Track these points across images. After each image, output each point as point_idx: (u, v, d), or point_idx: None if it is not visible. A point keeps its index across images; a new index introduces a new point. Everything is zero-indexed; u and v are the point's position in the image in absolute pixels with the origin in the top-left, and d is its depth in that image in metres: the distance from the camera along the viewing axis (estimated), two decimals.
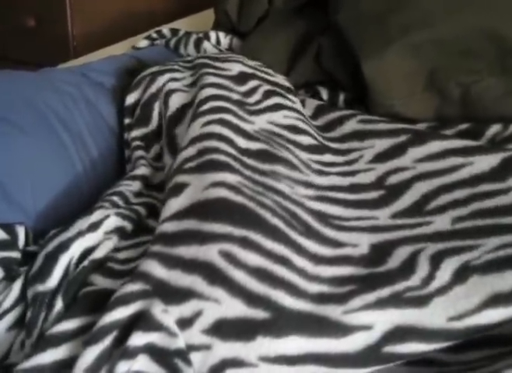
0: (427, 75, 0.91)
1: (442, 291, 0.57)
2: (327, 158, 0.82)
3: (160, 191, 0.80)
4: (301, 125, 0.85)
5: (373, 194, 0.74)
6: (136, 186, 0.82)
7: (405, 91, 0.92)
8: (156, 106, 0.90)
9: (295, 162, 0.77)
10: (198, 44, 1.17)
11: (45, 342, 0.57)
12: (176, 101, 0.87)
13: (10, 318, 0.65)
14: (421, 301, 0.57)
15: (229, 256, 0.59)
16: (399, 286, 0.59)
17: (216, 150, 0.72)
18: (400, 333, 0.56)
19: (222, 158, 0.71)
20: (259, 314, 0.56)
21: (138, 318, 0.56)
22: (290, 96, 0.91)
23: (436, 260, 0.61)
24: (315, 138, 0.84)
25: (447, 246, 0.63)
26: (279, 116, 0.85)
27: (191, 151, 0.73)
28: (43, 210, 0.82)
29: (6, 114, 0.84)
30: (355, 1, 1.00)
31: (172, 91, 0.89)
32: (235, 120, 0.79)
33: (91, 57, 1.26)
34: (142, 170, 0.84)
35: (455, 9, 0.92)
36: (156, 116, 0.90)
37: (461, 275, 0.58)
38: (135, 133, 0.91)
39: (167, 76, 0.92)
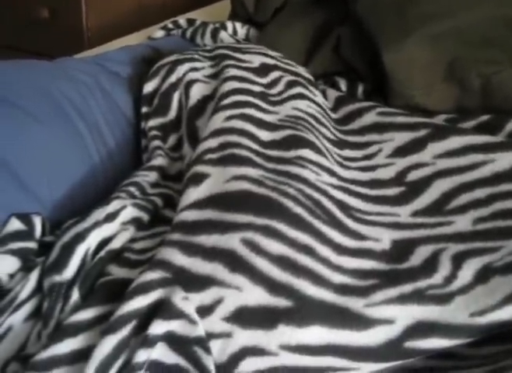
0: (447, 66, 0.90)
1: (464, 290, 0.57)
2: (346, 153, 0.81)
3: (177, 182, 0.80)
4: (321, 118, 0.85)
5: (393, 190, 0.74)
6: (153, 176, 0.81)
7: (425, 81, 0.91)
8: (176, 96, 0.89)
9: (321, 148, 0.77)
10: (214, 34, 1.16)
11: (62, 332, 0.57)
12: (197, 92, 0.87)
13: (27, 308, 0.64)
14: (443, 299, 0.57)
15: (251, 244, 0.59)
16: (422, 283, 0.59)
17: (238, 145, 0.72)
18: (422, 329, 0.55)
19: (244, 153, 0.71)
20: (281, 302, 0.56)
21: (159, 306, 0.56)
22: (312, 88, 0.91)
23: (458, 261, 0.61)
24: (333, 133, 0.84)
25: (468, 247, 0.63)
26: (303, 104, 0.84)
27: (212, 142, 0.73)
28: (60, 200, 0.82)
29: (21, 103, 0.84)
30: None
31: (193, 81, 0.88)
32: (258, 114, 0.79)
33: (105, 47, 1.25)
34: (158, 161, 0.84)
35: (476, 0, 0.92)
36: (175, 107, 0.89)
37: (483, 276, 0.58)
38: (153, 122, 0.90)
39: (187, 66, 0.91)
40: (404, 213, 0.71)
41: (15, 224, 0.73)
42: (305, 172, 0.70)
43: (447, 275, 0.59)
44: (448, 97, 0.90)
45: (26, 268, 0.69)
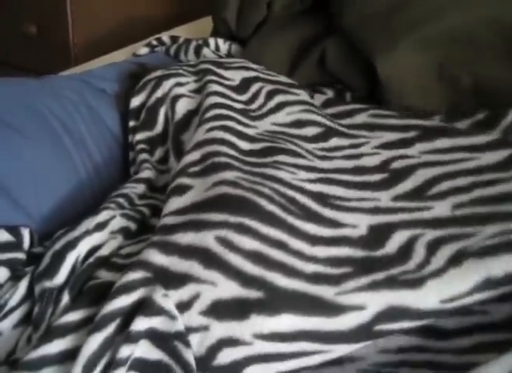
0: (439, 67, 0.93)
1: (436, 273, 0.59)
2: (334, 142, 0.84)
3: (164, 193, 0.81)
4: (304, 116, 0.87)
5: (376, 177, 0.76)
6: (140, 188, 0.84)
7: (418, 83, 0.94)
8: (162, 111, 0.92)
9: (299, 151, 0.79)
10: (197, 51, 1.18)
11: (51, 333, 0.59)
12: (182, 107, 0.90)
13: (16, 315, 0.67)
14: (415, 283, 0.58)
15: (224, 241, 0.62)
16: (394, 270, 0.61)
17: (218, 153, 0.75)
18: (392, 313, 0.57)
19: (223, 159, 0.74)
20: (253, 294, 0.59)
21: (141, 304, 0.58)
22: (293, 90, 0.94)
23: (433, 247, 0.63)
24: (320, 125, 0.86)
25: (444, 233, 0.64)
26: (282, 116, 0.87)
27: (195, 155, 0.76)
28: (48, 213, 0.84)
29: (9, 119, 0.86)
30: (360, 3, 1.02)
31: (178, 96, 0.91)
32: (238, 127, 0.82)
33: (92, 64, 1.27)
34: (146, 173, 0.86)
35: (462, 2, 0.95)
36: (161, 121, 0.92)
37: (456, 259, 0.60)
38: (140, 136, 0.92)
39: (173, 81, 0.94)
40: (385, 197, 0.72)
41: (3, 236, 0.75)
42: (280, 173, 0.73)
43: (420, 261, 0.61)
44: (443, 98, 0.93)
45: (14, 277, 0.71)
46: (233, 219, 0.64)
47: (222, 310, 0.58)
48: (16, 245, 0.75)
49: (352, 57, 1.00)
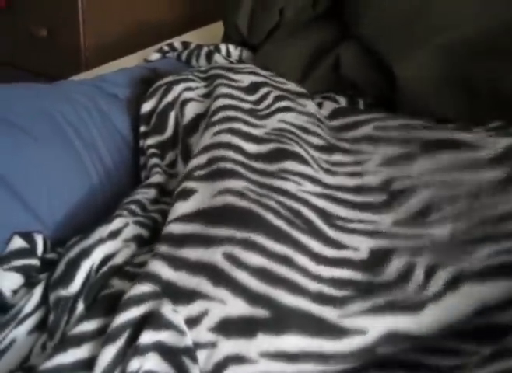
0: (457, 74, 0.93)
1: (435, 298, 0.60)
2: (336, 158, 0.84)
3: None
4: (311, 127, 0.88)
5: (377, 198, 0.77)
6: (152, 193, 0.84)
7: (437, 92, 0.94)
8: (172, 115, 0.93)
9: (306, 157, 0.80)
10: (209, 57, 1.19)
11: (66, 342, 0.59)
12: (191, 110, 0.90)
13: (31, 322, 0.67)
14: (415, 308, 0.60)
15: (231, 258, 0.63)
16: (395, 295, 0.62)
17: (224, 158, 0.75)
18: (394, 338, 0.59)
19: (229, 165, 0.74)
20: (260, 312, 0.59)
21: (149, 317, 0.59)
22: (301, 100, 0.94)
23: (431, 270, 0.64)
24: (324, 139, 0.86)
25: (442, 258, 0.65)
26: (290, 117, 0.88)
27: (201, 159, 0.77)
28: (60, 218, 0.84)
29: (21, 123, 0.86)
30: (377, 11, 1.02)
31: (187, 100, 0.92)
32: (245, 128, 0.82)
33: (103, 69, 1.27)
34: (157, 178, 0.87)
35: (483, 9, 0.95)
36: (171, 125, 0.92)
37: (454, 284, 0.61)
38: (151, 141, 0.93)
39: (182, 86, 0.95)
40: (385, 221, 0.73)
41: (17, 243, 0.75)
42: (286, 185, 0.74)
43: (419, 285, 0.63)
44: (460, 104, 0.93)
45: (28, 284, 0.72)
46: (239, 234, 0.65)
47: (230, 328, 0.59)
48: (30, 252, 0.76)
49: (367, 63, 1.01)
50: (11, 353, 0.64)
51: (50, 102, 0.94)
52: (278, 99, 0.92)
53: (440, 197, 0.74)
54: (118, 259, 0.71)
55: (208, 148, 0.78)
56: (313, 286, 0.63)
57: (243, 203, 0.68)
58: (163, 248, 0.66)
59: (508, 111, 0.89)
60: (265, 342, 0.58)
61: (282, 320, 0.59)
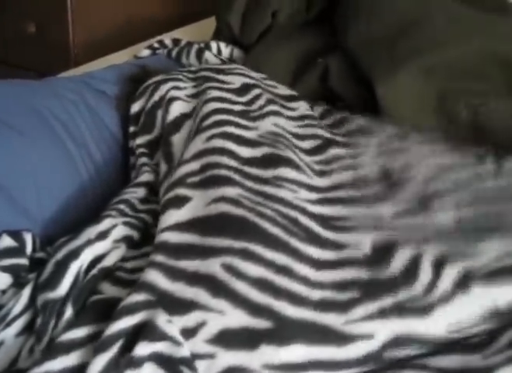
0: (437, 97, 0.93)
1: (443, 300, 0.60)
2: (332, 152, 0.84)
3: None
4: (301, 132, 0.87)
5: (375, 189, 0.76)
6: (141, 192, 0.83)
7: (416, 113, 0.94)
8: (159, 114, 0.92)
9: (299, 163, 0.79)
10: (199, 54, 1.19)
11: (55, 349, 0.59)
12: (176, 109, 0.89)
13: (19, 324, 0.66)
14: (423, 311, 0.59)
15: (230, 269, 0.62)
16: (402, 295, 0.61)
17: (218, 165, 0.75)
18: (401, 341, 0.58)
19: (223, 172, 0.73)
20: (262, 323, 0.59)
21: (143, 327, 0.58)
22: (291, 104, 0.94)
23: (438, 267, 0.63)
24: (318, 138, 0.86)
25: (448, 249, 0.64)
26: (282, 122, 0.88)
27: (193, 165, 0.76)
28: (49, 216, 0.83)
29: (10, 120, 0.86)
30: (365, 24, 1.02)
31: (173, 98, 0.91)
32: (238, 131, 0.81)
33: (92, 65, 1.26)
34: (145, 177, 0.86)
35: (464, 34, 0.95)
36: (159, 124, 0.91)
37: (463, 283, 0.61)
38: (140, 140, 0.92)
39: (170, 84, 0.94)
40: (386, 214, 0.72)
41: (6, 241, 0.75)
42: (282, 192, 0.73)
43: (427, 284, 0.62)
44: (438, 129, 0.92)
45: (17, 284, 0.71)
46: (237, 244, 0.64)
47: (229, 339, 0.58)
48: (19, 251, 0.75)
49: (354, 77, 1.01)
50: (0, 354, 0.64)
51: (38, 98, 0.93)
52: (269, 102, 0.91)
53: (442, 187, 0.74)
54: (108, 262, 0.71)
55: (200, 155, 0.77)
56: (314, 294, 0.62)
57: (239, 212, 0.67)
58: (159, 257, 0.65)
59: (485, 136, 0.89)
60: (268, 353, 0.57)
61: (285, 331, 0.59)
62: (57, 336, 0.60)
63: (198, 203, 0.70)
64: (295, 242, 0.66)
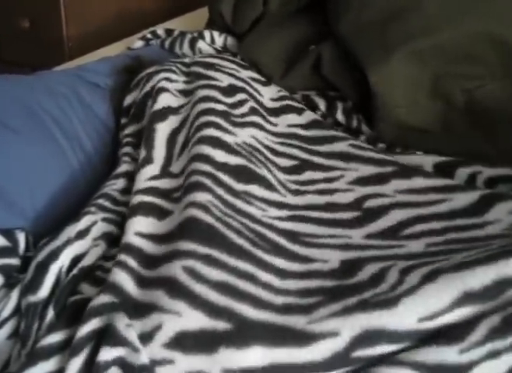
0: (431, 82, 0.91)
1: (410, 291, 0.56)
2: (307, 175, 0.82)
3: None
4: (279, 148, 0.86)
5: (348, 215, 0.74)
6: (120, 183, 0.82)
7: (410, 98, 0.92)
8: (149, 104, 0.90)
9: (272, 182, 0.78)
10: (192, 44, 1.17)
11: (35, 355, 0.58)
12: (164, 100, 0.88)
13: (9, 326, 0.66)
14: (390, 303, 0.56)
15: (192, 272, 0.61)
16: (367, 294, 0.58)
17: (194, 172, 0.74)
18: (369, 337, 0.55)
19: (198, 178, 0.72)
20: (220, 325, 0.57)
21: (105, 332, 0.57)
22: (273, 119, 0.92)
23: (406, 271, 0.60)
24: (294, 158, 0.84)
25: (418, 262, 0.62)
26: (261, 135, 0.86)
27: (180, 181, 0.76)
28: (42, 209, 0.83)
29: (1, 117, 0.85)
30: (356, 10, 1.00)
31: (163, 89, 0.90)
32: (216, 133, 0.80)
33: (86, 58, 1.25)
34: (124, 167, 0.84)
35: (457, 16, 0.93)
36: (148, 113, 0.89)
37: (431, 277, 0.57)
38: (128, 130, 0.91)
39: (162, 75, 0.93)
40: (356, 235, 0.71)
41: None
42: (250, 209, 0.72)
43: (394, 282, 0.59)
44: (434, 113, 0.91)
45: (8, 285, 0.70)
46: (201, 249, 0.63)
47: (187, 343, 0.56)
48: (11, 251, 0.74)
49: (346, 64, 0.99)
50: None
51: (30, 93, 0.92)
52: (253, 111, 0.90)
53: (414, 216, 0.72)
54: (88, 261, 0.70)
55: (185, 167, 0.77)
56: (278, 300, 0.60)
57: (207, 219, 0.66)
58: (130, 261, 0.65)
59: (481, 119, 0.88)
60: (227, 356, 0.55)
61: (244, 333, 0.56)
62: (39, 340, 0.60)
63: (176, 215, 0.70)
64: (261, 254, 0.65)
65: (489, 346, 0.53)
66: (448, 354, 0.53)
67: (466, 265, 0.57)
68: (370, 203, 0.75)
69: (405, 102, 0.92)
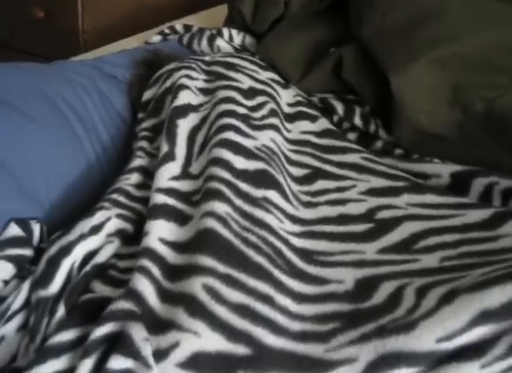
0: (452, 89, 0.91)
1: (428, 314, 0.56)
2: (319, 185, 0.81)
3: None
4: (292, 156, 0.85)
5: (361, 227, 0.73)
6: (134, 178, 0.81)
7: (430, 104, 0.91)
8: (169, 99, 0.89)
9: (287, 192, 0.77)
10: (211, 41, 1.16)
11: (45, 353, 0.58)
12: (185, 96, 0.87)
13: (19, 319, 0.65)
14: (407, 327, 0.55)
15: (211, 291, 0.60)
16: (384, 319, 0.58)
17: (211, 177, 0.73)
18: (386, 361, 0.54)
19: (215, 185, 0.71)
20: (240, 349, 0.56)
21: (120, 339, 0.56)
22: (287, 125, 0.92)
23: (423, 292, 0.59)
24: (308, 167, 0.84)
25: (433, 280, 0.61)
26: (279, 139, 0.86)
27: (199, 182, 0.75)
28: (57, 200, 0.82)
29: (19, 104, 0.84)
30: (380, 14, 0.99)
31: (184, 86, 0.89)
32: (236, 138, 0.79)
33: (102, 51, 1.25)
34: (137, 162, 0.84)
35: (480, 25, 0.93)
36: (167, 108, 0.89)
37: (447, 298, 0.56)
38: (145, 124, 0.90)
39: (183, 72, 0.92)
40: (370, 250, 0.70)
41: (13, 230, 0.73)
42: (269, 218, 0.71)
43: (411, 306, 0.58)
44: (452, 121, 0.90)
45: (20, 276, 0.70)
46: (220, 268, 0.62)
47: (204, 364, 0.55)
48: (25, 241, 0.73)
49: (368, 69, 0.98)
50: (0, 350, 0.63)
51: (49, 83, 0.92)
52: (272, 113, 0.89)
53: (427, 228, 0.71)
54: (101, 258, 0.69)
55: (204, 169, 0.76)
56: (295, 326, 0.60)
57: (225, 233, 0.66)
58: (153, 268, 0.64)
59: (500, 129, 0.87)
60: None
61: (263, 359, 0.56)
62: (49, 336, 0.59)
63: (195, 221, 0.69)
64: (278, 274, 0.65)
65: (509, 362, 0.53)
66: (470, 370, 0.53)
67: (483, 284, 0.56)
68: (383, 215, 0.74)
69: (425, 108, 0.91)
